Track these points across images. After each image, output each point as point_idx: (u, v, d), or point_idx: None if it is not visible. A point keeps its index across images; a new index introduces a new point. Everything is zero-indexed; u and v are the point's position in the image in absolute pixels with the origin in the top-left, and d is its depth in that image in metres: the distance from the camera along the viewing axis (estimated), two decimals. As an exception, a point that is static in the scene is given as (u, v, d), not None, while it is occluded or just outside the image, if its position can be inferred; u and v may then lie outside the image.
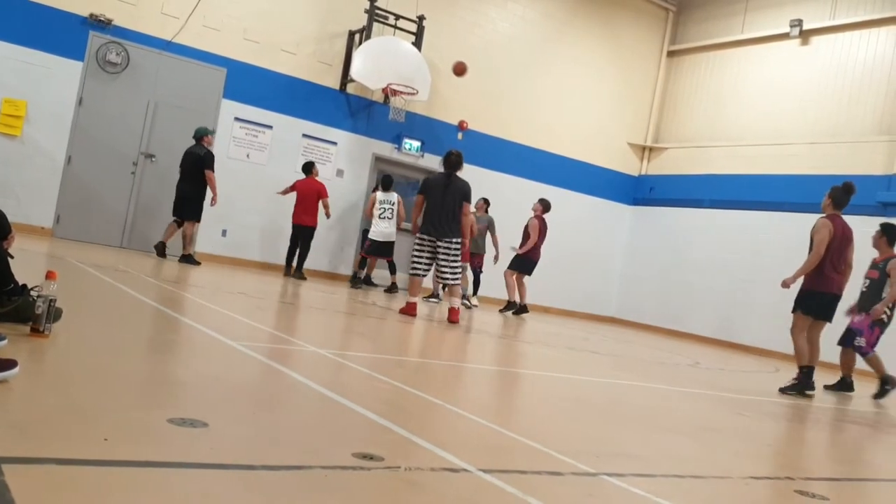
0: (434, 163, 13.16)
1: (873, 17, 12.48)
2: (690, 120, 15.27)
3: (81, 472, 1.66)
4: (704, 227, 14.17)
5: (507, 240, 12.17)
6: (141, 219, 10.90)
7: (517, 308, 11.53)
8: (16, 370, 2.26)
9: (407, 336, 6.32)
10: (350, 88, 12.40)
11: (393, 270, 11.60)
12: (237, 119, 11.55)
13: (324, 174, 11.78)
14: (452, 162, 7.69)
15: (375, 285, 12.00)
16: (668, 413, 4.44)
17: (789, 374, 7.89)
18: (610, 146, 15.40)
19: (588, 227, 15.06)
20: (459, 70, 11.10)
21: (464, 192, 7.67)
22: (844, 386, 7.34)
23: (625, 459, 2.86)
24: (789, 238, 12.37)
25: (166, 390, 2.71)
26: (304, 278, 10.95)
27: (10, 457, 1.65)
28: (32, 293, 3.14)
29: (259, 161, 11.77)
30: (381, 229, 11.24)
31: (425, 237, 7.67)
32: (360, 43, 12.10)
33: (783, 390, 6.34)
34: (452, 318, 7.62)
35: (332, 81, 12.30)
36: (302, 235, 11.19)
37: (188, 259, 9.91)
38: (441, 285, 8.18)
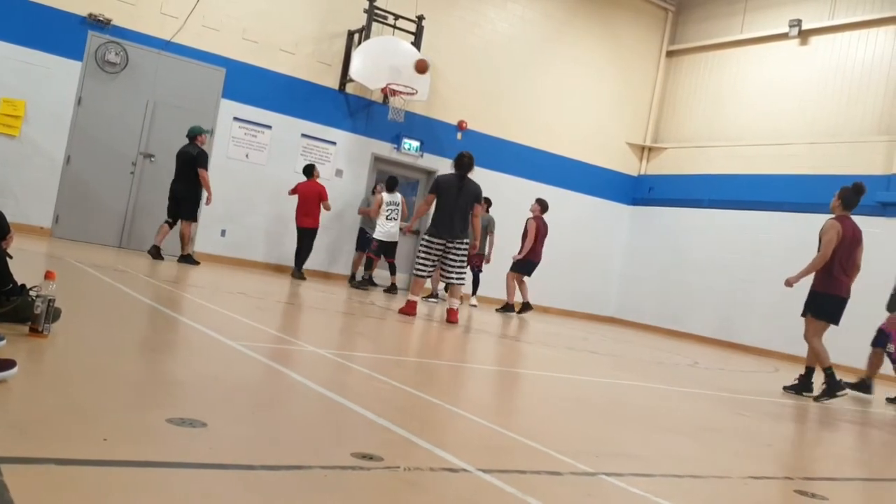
0: (433, 162, 13.20)
1: (872, 17, 12.48)
2: (690, 120, 15.28)
3: (81, 472, 1.66)
4: (704, 227, 14.17)
5: (506, 239, 12.18)
6: (140, 219, 10.89)
7: (521, 307, 11.54)
8: (15, 370, 2.26)
9: (406, 336, 6.31)
10: (349, 88, 12.40)
11: (393, 271, 11.62)
12: (236, 119, 11.55)
13: (323, 174, 11.78)
14: (465, 164, 7.72)
15: (376, 285, 12.01)
16: (668, 413, 4.44)
17: (788, 374, 7.89)
18: (609, 146, 15.40)
19: (587, 227, 15.06)
20: (421, 68, 11.25)
21: (476, 194, 7.74)
22: (863, 387, 7.18)
23: (624, 459, 2.86)
24: (789, 238, 12.40)
25: (165, 390, 2.71)
26: (304, 278, 10.97)
27: (10, 457, 1.65)
28: (31, 293, 3.13)
29: (258, 161, 11.77)
30: (388, 230, 11.30)
31: (435, 239, 7.67)
32: (360, 43, 12.10)
33: (818, 398, 6.19)
34: (451, 318, 7.63)
35: (332, 81, 12.30)
36: (303, 237, 11.22)
37: (187, 259, 9.89)
38: (444, 285, 8.20)
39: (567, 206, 14.24)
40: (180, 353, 3.67)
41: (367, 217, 11.92)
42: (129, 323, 4.35)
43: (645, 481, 2.49)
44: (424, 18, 12.46)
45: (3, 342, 2.64)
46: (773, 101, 13.62)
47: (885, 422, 6.04)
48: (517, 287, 11.62)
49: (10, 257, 3.28)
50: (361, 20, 12.11)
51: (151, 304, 5.31)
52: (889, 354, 7.12)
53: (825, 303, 6.40)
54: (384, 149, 12.90)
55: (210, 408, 2.48)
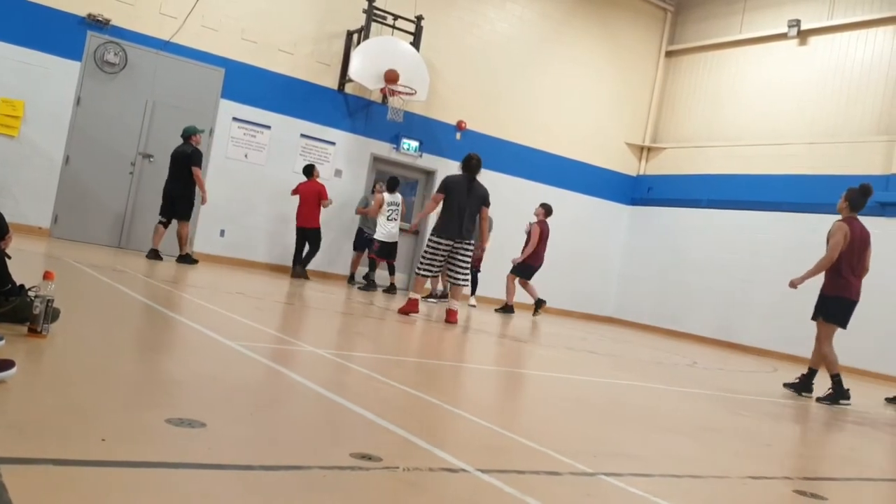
0: (432, 163, 13.20)
1: (871, 18, 12.49)
2: (688, 120, 15.28)
3: (79, 473, 1.66)
4: (702, 227, 14.18)
5: (505, 239, 12.18)
6: (139, 219, 10.88)
7: (535, 306, 11.59)
8: (13, 370, 2.26)
9: (406, 336, 6.31)
10: (348, 88, 12.39)
11: (392, 271, 11.62)
12: (235, 119, 11.54)
13: (322, 174, 11.77)
14: (474, 165, 7.78)
15: (376, 286, 12.00)
16: (667, 413, 4.44)
17: (787, 373, 7.90)
18: (608, 146, 15.40)
19: (586, 227, 15.06)
20: (391, 78, 11.52)
21: (484, 196, 7.80)
22: None
23: (623, 459, 2.86)
24: (787, 238, 12.41)
25: (164, 390, 2.70)
26: (307, 278, 10.98)
27: (8, 457, 1.65)
28: (30, 293, 3.13)
29: (257, 161, 11.77)
30: (389, 230, 11.29)
31: (442, 240, 7.67)
32: (359, 43, 12.10)
33: (820, 399, 6.21)
34: (451, 318, 7.64)
35: (331, 81, 12.30)
36: (306, 237, 11.23)
37: (185, 259, 9.88)
38: (447, 285, 8.24)
39: (566, 206, 14.23)
40: (179, 354, 3.67)
41: (366, 217, 11.92)
42: (128, 323, 4.34)
43: (644, 481, 2.49)
44: (423, 19, 12.47)
45: (2, 342, 2.64)
46: (772, 101, 13.63)
47: (884, 422, 6.05)
48: (527, 289, 11.61)
49: (9, 257, 3.28)
50: (360, 20, 12.11)
51: (150, 304, 5.31)
52: None
53: (834, 306, 6.35)
54: (383, 149, 12.89)
55: (209, 408, 2.48)
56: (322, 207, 11.30)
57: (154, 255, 9.57)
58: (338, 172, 12.46)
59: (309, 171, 11.25)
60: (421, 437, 2.51)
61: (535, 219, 11.68)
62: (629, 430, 3.58)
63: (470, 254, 7.80)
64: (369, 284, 11.50)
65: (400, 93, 11.83)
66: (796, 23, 13.38)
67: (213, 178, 11.24)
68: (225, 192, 11.31)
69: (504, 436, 2.83)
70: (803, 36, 13.41)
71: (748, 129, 13.94)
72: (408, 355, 5.36)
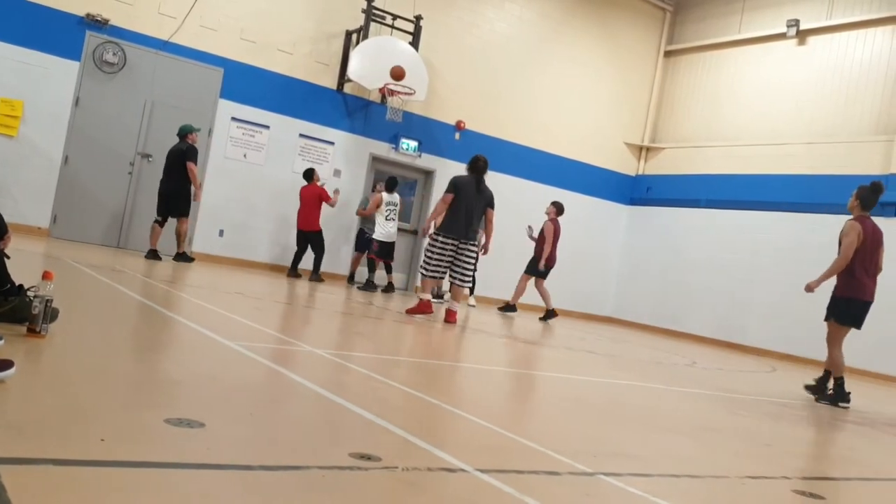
0: (431, 162, 13.20)
1: (870, 17, 12.50)
2: (687, 120, 15.29)
3: (79, 473, 1.66)
4: (701, 226, 14.18)
5: (504, 239, 12.16)
6: (138, 219, 10.87)
7: (546, 314, 11.51)
8: (12, 370, 2.26)
9: (405, 336, 6.31)
10: (347, 88, 12.39)
11: (389, 270, 11.62)
12: (234, 119, 11.54)
13: (321, 174, 11.77)
14: (481, 167, 7.83)
15: (376, 286, 11.99)
16: (666, 413, 4.44)
17: (786, 373, 7.90)
18: (607, 146, 15.40)
19: (585, 226, 15.04)
20: (397, 74, 11.42)
21: (490, 198, 7.86)
22: None
23: (622, 459, 2.86)
24: (787, 238, 12.41)
25: (163, 390, 2.70)
26: (322, 280, 11.03)
27: (8, 457, 1.65)
28: (29, 293, 3.13)
29: (256, 161, 11.76)
30: (388, 230, 11.30)
31: (449, 240, 7.67)
32: (358, 43, 12.10)
33: (819, 399, 6.20)
34: (450, 318, 7.64)
35: (330, 81, 12.30)
36: (309, 241, 11.22)
37: (182, 257, 9.88)
38: (450, 285, 8.26)
39: (565, 206, 14.21)
40: (178, 354, 3.66)
41: (365, 217, 11.91)
42: (127, 323, 4.34)
43: (643, 481, 2.50)
44: (422, 18, 12.46)
45: (1, 342, 2.64)
46: (771, 101, 13.64)
47: (884, 422, 6.05)
48: (542, 293, 11.58)
49: (8, 257, 3.28)
50: (359, 20, 12.10)
51: (149, 304, 5.31)
52: None
53: (848, 307, 6.24)
54: (382, 149, 12.89)
55: (208, 408, 2.48)
56: (330, 207, 11.31)
57: (153, 255, 9.56)
58: (337, 172, 12.45)
59: (309, 175, 11.26)
60: (420, 436, 2.51)
61: (545, 218, 11.67)
62: (628, 430, 3.58)
63: (474, 255, 7.81)
64: (368, 284, 11.50)
65: (399, 93, 11.82)
66: (795, 23, 13.39)
67: (212, 178, 11.25)
68: (224, 192, 11.31)
69: (503, 436, 2.83)
70: (802, 36, 13.42)
71: (747, 129, 13.95)
72: (407, 355, 5.36)
